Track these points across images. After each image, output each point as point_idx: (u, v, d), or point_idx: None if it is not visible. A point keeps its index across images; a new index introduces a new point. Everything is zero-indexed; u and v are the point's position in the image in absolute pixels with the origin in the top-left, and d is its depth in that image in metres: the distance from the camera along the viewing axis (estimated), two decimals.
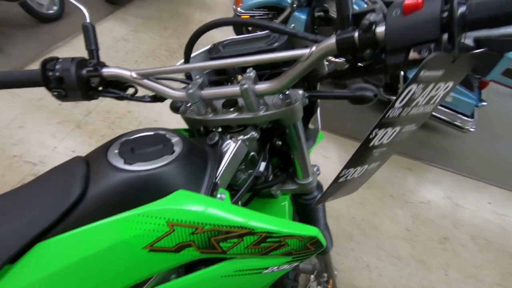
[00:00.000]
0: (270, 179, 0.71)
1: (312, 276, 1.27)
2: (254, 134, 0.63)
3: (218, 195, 0.55)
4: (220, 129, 0.66)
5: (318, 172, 0.75)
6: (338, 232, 1.99)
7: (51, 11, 3.08)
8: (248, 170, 0.68)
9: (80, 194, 0.47)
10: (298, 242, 0.57)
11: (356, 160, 0.47)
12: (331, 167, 2.34)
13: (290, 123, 0.59)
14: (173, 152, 0.54)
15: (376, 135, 0.43)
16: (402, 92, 0.38)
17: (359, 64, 0.48)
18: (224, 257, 0.55)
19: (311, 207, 0.77)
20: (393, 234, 2.03)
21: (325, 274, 1.13)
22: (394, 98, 0.42)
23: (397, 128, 0.47)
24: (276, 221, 0.55)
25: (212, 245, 0.50)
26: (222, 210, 0.50)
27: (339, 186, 0.53)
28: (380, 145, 0.47)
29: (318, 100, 0.73)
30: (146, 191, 0.49)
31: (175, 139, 0.57)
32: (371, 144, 0.45)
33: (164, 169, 0.50)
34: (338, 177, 0.49)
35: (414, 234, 2.07)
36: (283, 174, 0.73)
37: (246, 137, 0.62)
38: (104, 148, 0.54)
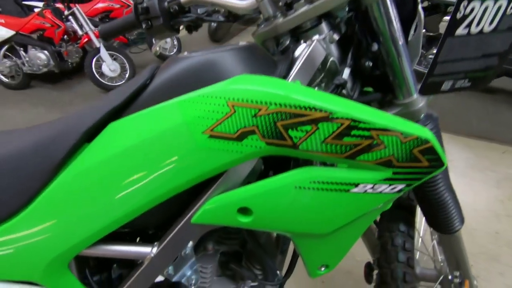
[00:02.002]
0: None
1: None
2: (331, 33, 0.53)
3: None
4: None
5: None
6: (474, 250, 1.50)
7: (172, 53, 3.82)
8: (329, 84, 0.57)
9: (147, 79, 0.47)
10: (400, 145, 0.41)
11: None
12: (456, 172, 1.87)
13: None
14: (239, 44, 0.49)
15: None
16: None
17: None
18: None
19: None
20: None
21: (457, 273, 0.82)
22: None
23: None
24: (364, 108, 0.41)
25: (279, 133, 0.41)
26: (289, 88, 0.41)
27: (456, 48, 0.37)
28: None
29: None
30: (208, 74, 0.45)
31: (243, 43, 0.53)
32: None
33: (229, 53, 0.46)
34: (454, 19, 0.34)
35: None
36: (377, 94, 0.58)
37: (322, 36, 0.52)
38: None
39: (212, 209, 0.46)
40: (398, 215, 0.80)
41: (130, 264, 0.59)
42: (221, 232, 0.64)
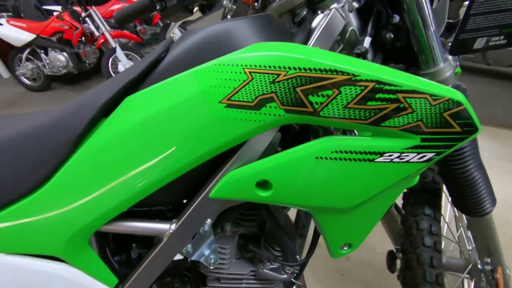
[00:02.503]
0: None
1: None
2: (350, 0, 0.50)
3: None
4: None
5: (456, 63, 0.54)
6: (504, 241, 1.43)
7: None
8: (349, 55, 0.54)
9: (162, 52, 0.46)
10: (429, 108, 0.38)
11: None
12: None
13: None
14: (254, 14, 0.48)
15: None
16: None
17: None
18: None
19: None
20: None
21: (488, 260, 0.77)
22: None
23: None
24: (389, 69, 0.39)
25: (299, 99, 0.39)
26: (309, 52, 0.39)
27: None
28: None
29: None
30: (224, 43, 0.44)
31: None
32: None
33: (244, 22, 0.45)
34: None
35: None
36: (400, 65, 0.55)
37: (340, 5, 0.50)
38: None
39: (230, 183, 0.45)
40: (423, 198, 0.76)
41: (149, 244, 0.58)
42: (239, 214, 0.62)
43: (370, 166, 0.42)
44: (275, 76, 0.39)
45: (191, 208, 0.48)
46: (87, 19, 3.13)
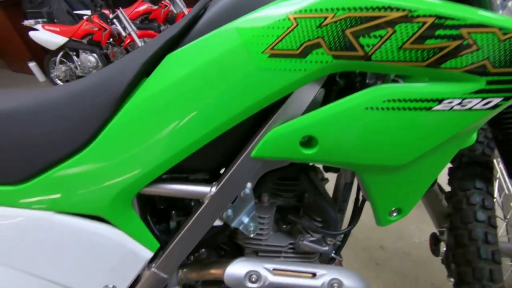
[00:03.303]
0: None
1: None
2: None
3: None
4: None
5: None
6: None
7: None
8: None
9: (200, 10, 0.45)
10: (497, 44, 0.34)
11: None
12: None
13: None
14: None
15: None
16: None
17: None
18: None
19: None
20: None
21: None
22: None
23: None
24: (450, 3, 0.35)
25: (348, 43, 0.37)
26: None
27: None
28: None
29: None
30: None
31: None
32: None
33: None
34: None
35: None
36: None
37: None
38: None
39: (272, 141, 0.43)
40: (473, 171, 0.70)
41: (188, 212, 0.58)
42: (276, 184, 0.61)
43: (427, 116, 0.39)
44: (322, 19, 0.37)
45: (232, 169, 0.46)
46: (114, 20, 3.25)
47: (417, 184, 0.47)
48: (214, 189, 0.48)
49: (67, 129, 0.44)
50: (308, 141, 0.43)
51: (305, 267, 0.56)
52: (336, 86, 0.47)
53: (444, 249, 0.88)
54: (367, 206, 0.57)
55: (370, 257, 1.39)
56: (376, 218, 0.52)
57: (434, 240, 0.91)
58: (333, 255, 0.63)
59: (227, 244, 0.66)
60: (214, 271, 0.57)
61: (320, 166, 0.65)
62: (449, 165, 0.81)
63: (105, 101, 0.44)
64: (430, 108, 0.38)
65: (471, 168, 0.71)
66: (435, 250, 0.92)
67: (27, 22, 3.54)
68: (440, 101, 0.38)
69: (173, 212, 0.57)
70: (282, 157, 0.44)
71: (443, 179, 0.81)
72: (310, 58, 0.38)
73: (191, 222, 0.49)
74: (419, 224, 1.52)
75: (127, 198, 0.47)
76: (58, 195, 0.45)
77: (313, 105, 0.44)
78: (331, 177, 0.67)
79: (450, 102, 0.38)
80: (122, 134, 0.44)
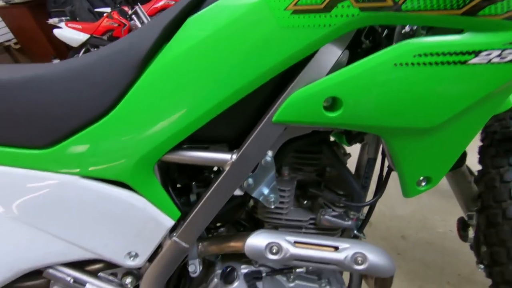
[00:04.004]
0: None
1: None
2: None
3: None
4: None
5: None
6: None
7: None
8: None
9: None
10: None
11: None
12: None
13: None
14: None
15: None
16: None
17: None
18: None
19: None
20: None
21: None
22: None
23: None
24: None
25: None
26: None
27: None
28: None
29: None
30: None
31: None
32: None
33: None
34: None
35: None
36: None
37: None
38: None
39: (295, 103, 0.42)
40: (506, 148, 0.66)
41: (208, 184, 0.58)
42: (297, 158, 0.60)
43: (462, 71, 0.36)
44: None
45: (253, 134, 0.46)
46: (133, 16, 3.31)
47: (448, 151, 0.45)
48: (235, 156, 0.47)
49: (91, 95, 0.45)
50: (332, 105, 0.42)
51: (327, 241, 0.55)
52: (361, 49, 0.45)
53: (473, 234, 0.85)
54: (389, 189, 0.55)
55: (391, 247, 1.35)
56: (403, 189, 0.49)
57: (462, 225, 0.87)
58: (356, 232, 0.61)
59: (247, 220, 0.66)
60: (234, 244, 0.57)
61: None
62: (479, 143, 0.77)
63: (127, 67, 0.44)
64: (465, 62, 0.36)
65: (504, 145, 0.67)
66: (463, 236, 0.88)
67: (51, 21, 3.68)
68: (477, 53, 0.35)
69: (194, 183, 0.57)
70: (305, 121, 0.43)
71: (472, 161, 0.77)
72: (335, 12, 0.37)
73: (211, 190, 0.49)
74: (443, 215, 1.46)
75: (149, 164, 0.47)
76: (83, 160, 0.46)
77: (337, 67, 0.42)
78: (353, 153, 0.65)
79: (488, 54, 0.35)
80: (144, 99, 0.44)
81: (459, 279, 1.19)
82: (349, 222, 0.57)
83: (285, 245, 0.53)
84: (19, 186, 0.46)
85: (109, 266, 0.56)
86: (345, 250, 0.54)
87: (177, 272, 0.59)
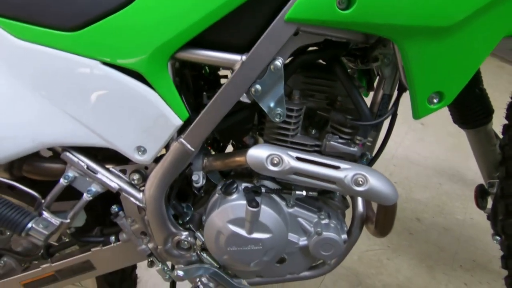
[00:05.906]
0: None
1: None
2: None
3: None
4: None
5: None
6: None
7: None
8: None
9: None
10: None
11: None
12: None
13: None
14: None
15: None
16: None
17: None
18: None
19: None
20: None
21: None
22: None
23: None
24: None
25: None
26: None
27: None
28: None
29: None
30: None
31: None
32: None
33: None
34: None
35: None
36: None
37: None
38: None
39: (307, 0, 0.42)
40: None
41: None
42: (308, 83, 0.59)
43: None
44: None
45: (265, 33, 0.46)
46: None
47: (462, 62, 0.43)
48: (245, 57, 0.48)
49: None
50: (347, 5, 0.41)
51: (329, 160, 0.55)
52: None
53: (491, 204, 0.80)
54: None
55: (403, 227, 1.31)
56: (414, 108, 0.48)
57: (481, 193, 0.83)
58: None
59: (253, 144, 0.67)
60: (239, 158, 0.58)
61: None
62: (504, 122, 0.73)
63: None
64: None
65: None
66: (480, 204, 0.83)
67: None
68: None
69: (204, 93, 0.59)
70: (317, 18, 0.43)
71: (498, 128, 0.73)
72: None
73: (220, 91, 0.50)
74: (464, 202, 1.39)
75: (163, 58, 0.49)
76: (105, 47, 0.49)
77: None
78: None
79: None
80: None
81: (474, 264, 1.13)
82: (355, 149, 0.56)
83: (286, 158, 0.54)
84: (45, 64, 0.50)
85: (120, 162, 0.59)
86: (347, 170, 0.53)
87: (181, 180, 0.62)
